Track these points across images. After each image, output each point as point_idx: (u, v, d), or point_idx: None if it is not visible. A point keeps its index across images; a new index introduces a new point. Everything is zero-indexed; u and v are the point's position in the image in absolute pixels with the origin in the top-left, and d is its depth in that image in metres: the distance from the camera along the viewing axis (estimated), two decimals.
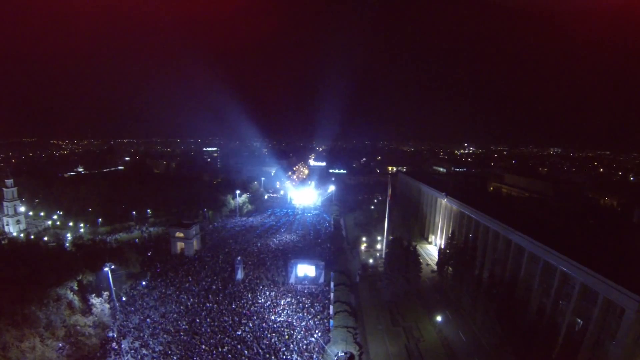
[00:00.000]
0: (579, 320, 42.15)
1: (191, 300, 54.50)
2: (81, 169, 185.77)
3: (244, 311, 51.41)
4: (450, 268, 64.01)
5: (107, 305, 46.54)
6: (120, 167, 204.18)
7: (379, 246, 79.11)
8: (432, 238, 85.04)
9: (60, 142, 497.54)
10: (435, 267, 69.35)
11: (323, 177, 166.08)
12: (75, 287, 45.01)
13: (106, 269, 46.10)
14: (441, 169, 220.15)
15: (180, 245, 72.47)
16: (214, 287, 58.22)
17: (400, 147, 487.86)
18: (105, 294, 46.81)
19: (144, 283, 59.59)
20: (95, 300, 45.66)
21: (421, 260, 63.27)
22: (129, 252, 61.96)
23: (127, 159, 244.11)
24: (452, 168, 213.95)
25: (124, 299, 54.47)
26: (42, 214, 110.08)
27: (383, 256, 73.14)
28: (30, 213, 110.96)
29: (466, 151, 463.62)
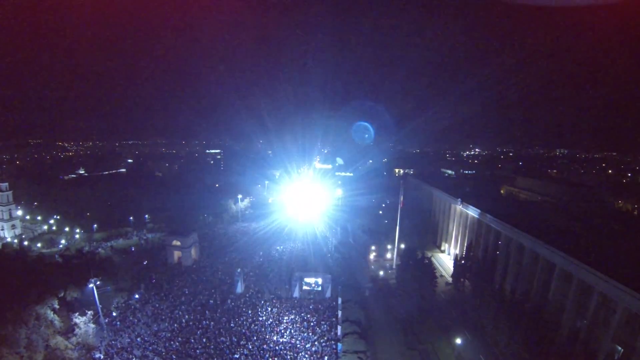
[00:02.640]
0: (619, 348, 37.17)
1: (186, 316, 50.19)
2: (82, 171, 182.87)
3: (243, 330, 46.95)
4: (467, 281, 59.20)
5: (92, 325, 42.33)
6: (122, 170, 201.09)
7: (389, 255, 74.28)
8: (445, 246, 79.93)
9: (66, 144, 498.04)
10: (449, 279, 64.47)
11: (329, 180, 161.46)
12: (56, 306, 40.72)
13: (91, 285, 41.84)
14: (449, 172, 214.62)
15: (177, 254, 68.26)
16: (211, 301, 53.84)
17: (405, 149, 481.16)
18: (90, 312, 42.56)
19: (136, 296, 55.46)
20: (78, 319, 41.50)
21: (435, 273, 58.30)
22: (120, 265, 57.79)
23: (129, 161, 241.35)
24: (461, 171, 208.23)
25: (114, 314, 50.44)
26: (39, 218, 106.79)
27: (394, 267, 68.48)
28: (28, 217, 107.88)
29: (472, 153, 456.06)
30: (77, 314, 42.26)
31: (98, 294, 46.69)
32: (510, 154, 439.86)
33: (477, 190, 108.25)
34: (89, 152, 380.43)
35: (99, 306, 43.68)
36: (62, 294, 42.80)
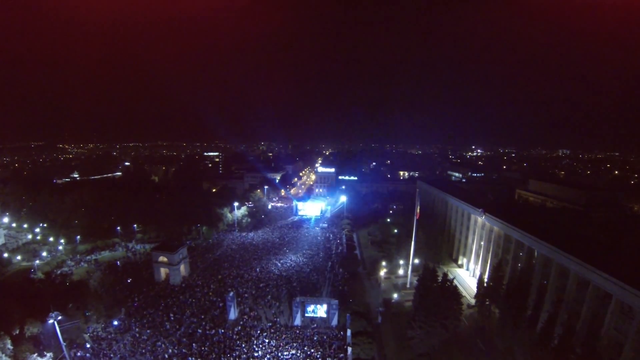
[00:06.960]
0: None
1: (170, 350, 42.99)
2: (76, 175, 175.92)
3: None
4: (494, 306, 51.58)
5: None
6: (117, 173, 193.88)
7: (401, 271, 66.76)
8: (463, 261, 72.23)
9: (67, 146, 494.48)
10: (471, 300, 56.87)
11: (332, 185, 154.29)
12: (10, 346, 33.61)
13: (51, 320, 34.66)
14: (456, 174, 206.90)
15: (164, 271, 61.11)
16: (199, 331, 46.59)
17: (408, 150, 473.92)
18: (50, 354, 35.43)
19: (115, 323, 48.36)
20: None
21: (460, 297, 50.65)
22: (99, 285, 50.62)
23: (127, 163, 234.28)
24: (469, 173, 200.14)
25: (88, 345, 43.32)
26: (25, 225, 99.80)
27: (408, 285, 61.02)
28: (14, 224, 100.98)
29: (475, 154, 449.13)
30: (35, 355, 35.12)
31: (67, 327, 39.82)
32: (513, 155, 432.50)
33: (492, 195, 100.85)
34: (84, 154, 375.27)
35: (63, 344, 36.48)
36: (16, 331, 35.45)
